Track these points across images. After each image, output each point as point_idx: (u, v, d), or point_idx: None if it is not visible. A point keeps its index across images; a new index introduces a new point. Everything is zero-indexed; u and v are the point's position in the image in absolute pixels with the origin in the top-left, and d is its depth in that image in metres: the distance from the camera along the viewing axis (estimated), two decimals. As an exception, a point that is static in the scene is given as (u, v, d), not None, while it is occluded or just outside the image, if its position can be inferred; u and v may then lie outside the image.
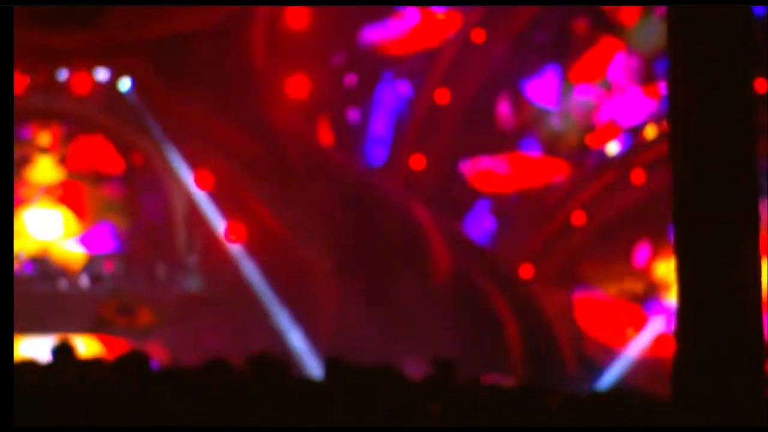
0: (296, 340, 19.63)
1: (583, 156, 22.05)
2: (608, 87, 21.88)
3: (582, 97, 21.93)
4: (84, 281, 20.55)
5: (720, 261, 6.64)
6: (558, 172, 22.00)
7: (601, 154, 22.03)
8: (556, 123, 22.06)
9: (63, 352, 6.77)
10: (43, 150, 21.47)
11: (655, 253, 21.41)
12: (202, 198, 21.15)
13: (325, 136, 21.89)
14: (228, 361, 6.77)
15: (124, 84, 20.86)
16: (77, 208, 21.57)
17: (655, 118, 21.67)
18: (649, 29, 21.54)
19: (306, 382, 7.58)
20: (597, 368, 20.30)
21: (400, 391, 6.92)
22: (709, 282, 6.69)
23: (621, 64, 21.94)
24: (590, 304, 21.53)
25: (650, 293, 21.35)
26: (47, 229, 21.22)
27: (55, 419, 5.92)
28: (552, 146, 22.09)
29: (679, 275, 6.87)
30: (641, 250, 21.54)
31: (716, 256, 6.65)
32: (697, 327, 6.69)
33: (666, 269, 21.26)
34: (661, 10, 21.20)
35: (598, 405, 6.98)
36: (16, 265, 20.04)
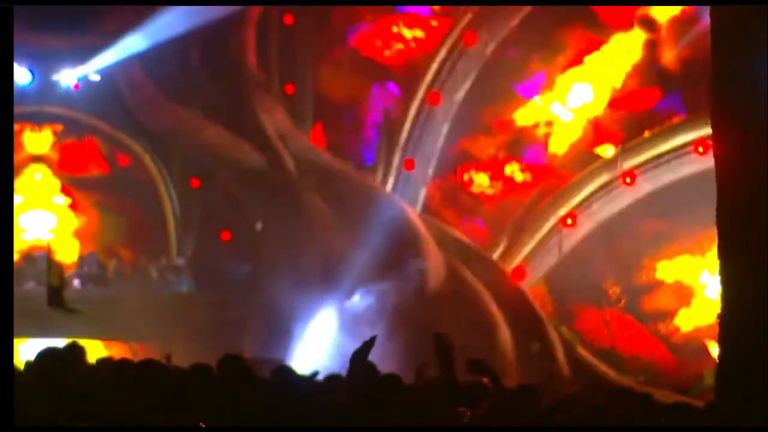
0: (289, 341, 19.62)
1: (576, 158, 22.08)
2: (603, 89, 21.93)
3: (575, 99, 21.97)
4: (76, 282, 20.55)
5: (763, 266, 6.66)
6: (552, 174, 22.03)
7: (595, 156, 22.06)
8: (548, 125, 22.13)
9: (73, 354, 6.71)
10: (37, 152, 21.51)
11: (658, 253, 21.50)
12: (192, 199, 21.17)
13: (318, 138, 21.92)
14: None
15: (116, 86, 20.88)
16: (70, 210, 21.60)
17: (650, 120, 21.73)
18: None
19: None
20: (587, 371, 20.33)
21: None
22: (751, 286, 6.70)
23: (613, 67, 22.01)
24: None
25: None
26: (41, 229, 21.27)
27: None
28: (546, 148, 22.14)
29: (722, 281, 6.89)
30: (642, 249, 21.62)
31: (759, 262, 6.66)
32: (740, 331, 6.70)
33: (666, 269, 21.35)
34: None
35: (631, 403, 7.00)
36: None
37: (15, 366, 6.66)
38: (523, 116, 22.02)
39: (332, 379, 7.85)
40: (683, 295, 21.39)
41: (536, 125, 22.02)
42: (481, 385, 7.43)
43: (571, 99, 21.92)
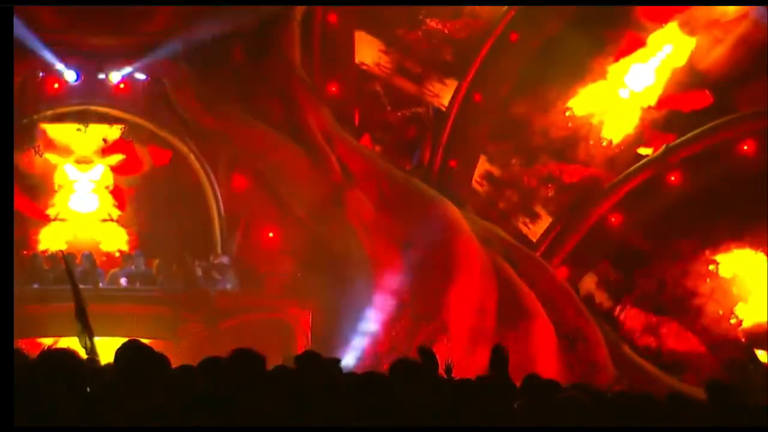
0: (335, 340, 19.64)
1: (619, 156, 22.01)
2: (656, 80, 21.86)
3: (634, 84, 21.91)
4: (123, 281, 20.67)
5: None
6: (595, 172, 21.98)
7: (638, 155, 21.98)
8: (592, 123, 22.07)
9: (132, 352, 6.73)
10: (83, 151, 21.70)
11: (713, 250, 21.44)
12: (238, 198, 21.21)
13: (363, 137, 21.96)
14: None
15: (161, 85, 20.98)
16: (115, 209, 21.76)
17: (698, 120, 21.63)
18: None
19: None
20: (634, 370, 20.26)
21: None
22: None
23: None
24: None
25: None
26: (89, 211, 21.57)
27: None
28: (588, 146, 22.08)
29: None
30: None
31: None
32: None
33: (729, 264, 21.28)
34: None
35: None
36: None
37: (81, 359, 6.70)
38: (579, 105, 21.94)
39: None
40: (738, 292, 21.32)
41: (591, 115, 21.98)
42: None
43: (630, 84, 21.84)
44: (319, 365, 7.24)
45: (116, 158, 21.74)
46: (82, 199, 21.63)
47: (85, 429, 5.61)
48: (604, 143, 21.97)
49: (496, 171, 22.34)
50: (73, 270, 16.33)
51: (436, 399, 6.55)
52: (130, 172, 21.84)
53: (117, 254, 21.56)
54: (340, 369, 7.49)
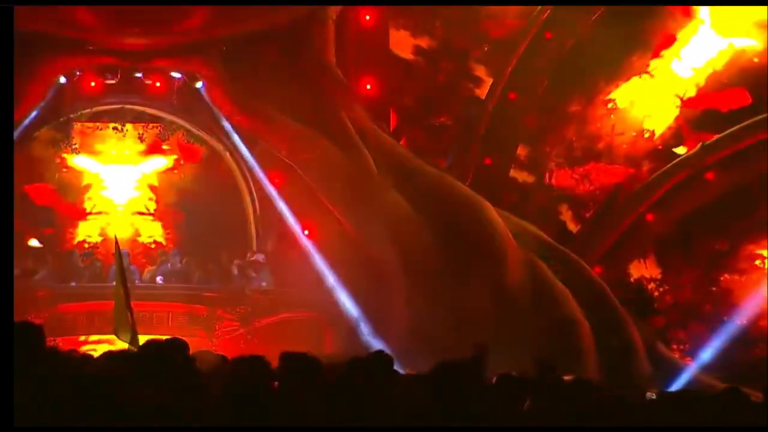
0: (367, 338, 19.62)
1: (654, 155, 21.91)
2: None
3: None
4: (159, 279, 20.74)
5: None
6: (630, 171, 21.90)
7: (673, 154, 21.88)
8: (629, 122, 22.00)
9: (176, 350, 6.75)
10: (119, 150, 21.82)
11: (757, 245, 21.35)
12: (274, 195, 21.23)
13: (398, 134, 21.94)
14: None
15: (197, 84, 21.02)
16: (154, 201, 21.88)
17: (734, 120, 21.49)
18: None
19: None
20: (670, 369, 20.15)
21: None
22: None
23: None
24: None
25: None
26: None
27: None
28: (627, 141, 22.01)
29: None
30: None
31: None
32: None
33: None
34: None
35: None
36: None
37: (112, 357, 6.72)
38: (621, 97, 21.86)
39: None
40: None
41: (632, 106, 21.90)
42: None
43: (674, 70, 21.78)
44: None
45: (154, 160, 21.84)
46: (118, 191, 21.77)
47: (85, 429, 5.59)
48: (647, 135, 21.90)
49: (531, 168, 22.29)
50: (121, 254, 16.45)
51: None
52: (166, 170, 21.94)
53: (153, 245, 21.64)
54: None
